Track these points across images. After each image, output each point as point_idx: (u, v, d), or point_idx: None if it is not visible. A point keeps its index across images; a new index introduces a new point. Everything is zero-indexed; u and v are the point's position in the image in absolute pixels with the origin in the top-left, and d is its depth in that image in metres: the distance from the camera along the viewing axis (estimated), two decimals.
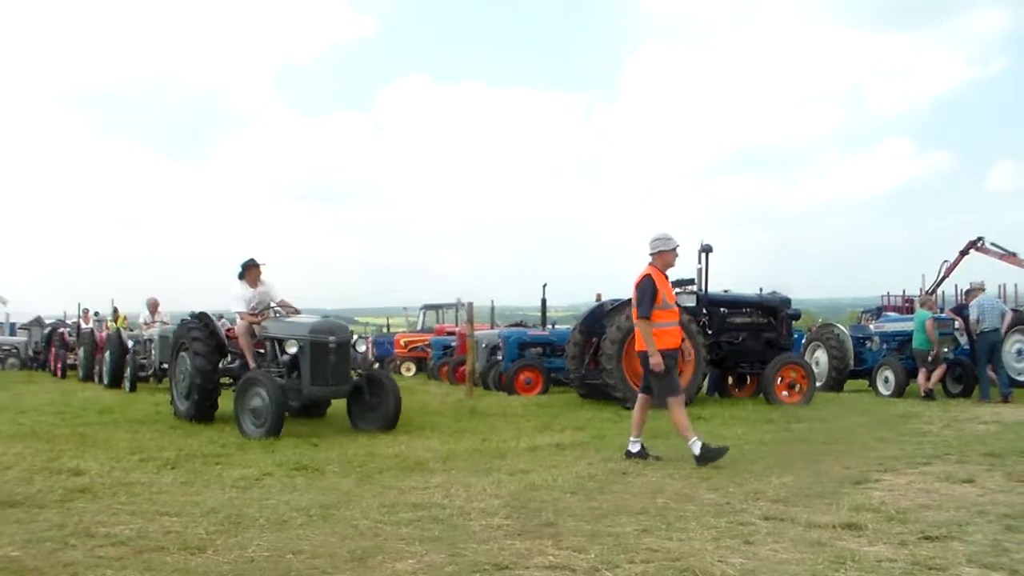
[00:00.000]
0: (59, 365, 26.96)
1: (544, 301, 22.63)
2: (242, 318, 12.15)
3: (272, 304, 12.27)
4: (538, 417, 13.36)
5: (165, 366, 16.19)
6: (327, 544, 5.23)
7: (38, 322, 35.14)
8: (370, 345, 37.68)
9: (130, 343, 20.27)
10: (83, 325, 26.73)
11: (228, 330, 16.91)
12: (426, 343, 29.06)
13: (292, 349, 11.12)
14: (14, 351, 33.54)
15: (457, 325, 27.23)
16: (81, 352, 24.70)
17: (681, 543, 5.26)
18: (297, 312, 12.25)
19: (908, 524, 5.74)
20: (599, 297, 17.46)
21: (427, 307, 34.66)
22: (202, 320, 16.69)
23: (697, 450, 8.27)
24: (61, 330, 28.52)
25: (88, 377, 23.51)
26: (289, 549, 5.08)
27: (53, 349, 28.31)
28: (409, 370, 29.81)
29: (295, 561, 4.86)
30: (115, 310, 25.33)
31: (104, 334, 23.45)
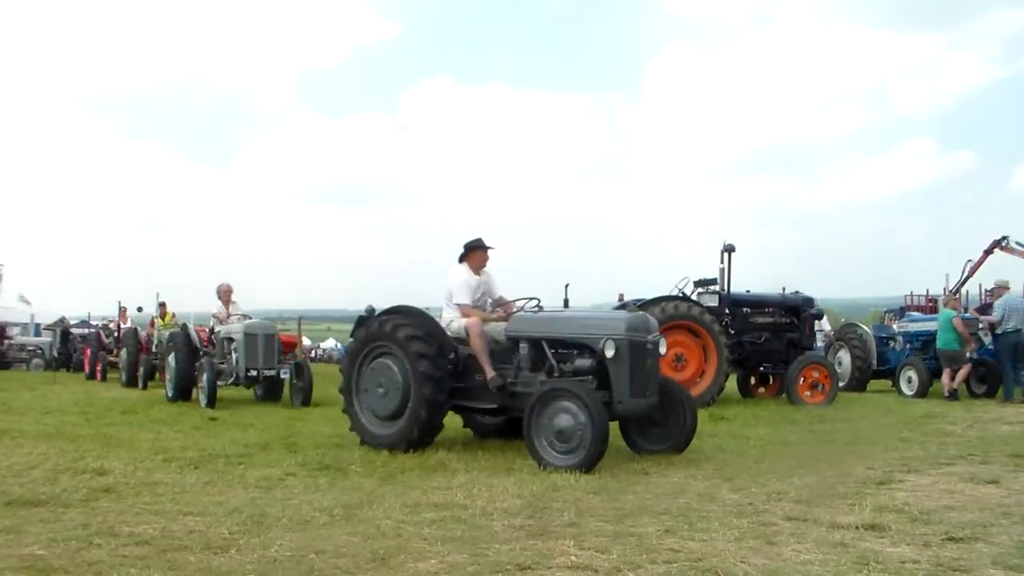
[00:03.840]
0: (98, 368, 24.43)
1: (566, 301, 22.57)
2: (464, 312, 9.72)
3: (490, 300, 10.12)
4: None
5: (253, 372, 15.25)
6: (349, 544, 5.24)
7: (62, 323, 35.43)
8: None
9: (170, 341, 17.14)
10: (122, 325, 25.28)
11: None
12: None
13: (610, 352, 8.49)
14: (39, 352, 33.79)
15: None
16: (123, 354, 22.14)
17: (703, 543, 5.25)
18: (518, 311, 9.80)
19: (932, 525, 5.70)
20: (621, 297, 17.44)
21: None
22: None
23: None
24: (74, 331, 28.40)
25: (131, 382, 20.95)
26: (312, 549, 5.10)
27: (88, 351, 26.46)
28: None
29: (318, 561, 4.87)
30: (161, 305, 22.92)
31: (146, 334, 21.85)
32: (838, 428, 11.82)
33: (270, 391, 16.64)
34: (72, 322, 35.89)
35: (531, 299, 9.82)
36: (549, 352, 9.08)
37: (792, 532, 5.56)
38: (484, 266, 10.03)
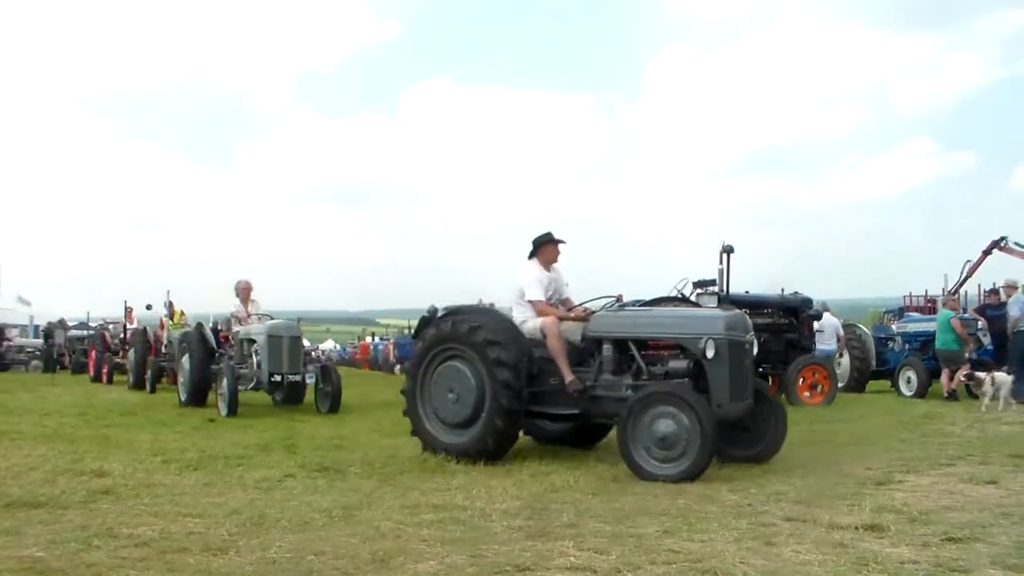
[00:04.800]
0: (104, 370, 23.72)
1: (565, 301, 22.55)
2: (539, 309, 9.08)
3: (557, 299, 9.49)
4: None
5: (277, 377, 14.26)
6: (349, 545, 5.24)
7: (61, 324, 35.42)
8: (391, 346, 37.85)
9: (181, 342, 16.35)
10: (128, 325, 24.70)
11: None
12: None
13: (711, 352, 7.97)
14: (38, 353, 33.81)
15: None
16: (131, 356, 21.35)
17: (703, 544, 5.25)
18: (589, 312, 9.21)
19: (931, 525, 5.70)
20: (620, 297, 17.42)
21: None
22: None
23: None
24: (73, 332, 28.24)
25: (139, 384, 20.16)
26: (311, 550, 5.10)
27: (93, 352, 25.63)
28: None
29: (317, 562, 4.87)
30: (170, 304, 21.61)
31: (153, 334, 21.19)
32: (837, 429, 11.83)
33: (291, 396, 15.74)
34: (71, 323, 35.88)
35: (611, 297, 9.46)
36: (637, 353, 8.58)
37: (791, 533, 5.55)
38: (555, 261, 9.48)
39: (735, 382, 8.12)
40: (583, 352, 8.89)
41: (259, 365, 14.35)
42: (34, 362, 32.93)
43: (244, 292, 15.87)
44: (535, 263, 9.35)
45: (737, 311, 8.86)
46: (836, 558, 4.92)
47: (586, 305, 9.37)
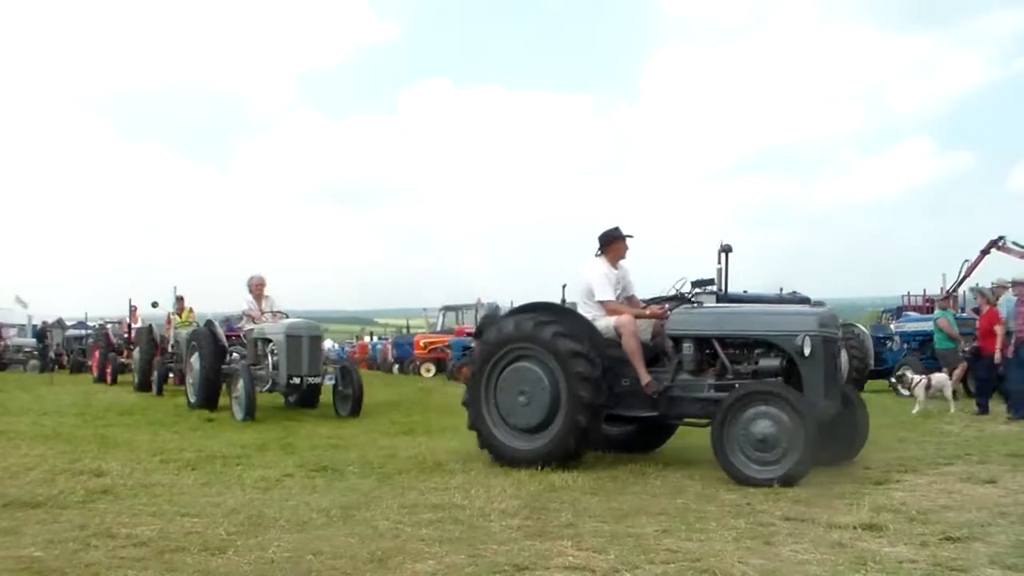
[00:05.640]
0: (108, 370, 22.86)
1: (563, 301, 22.55)
2: (609, 308, 8.62)
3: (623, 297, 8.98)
4: None
5: (296, 380, 13.35)
6: (347, 545, 5.24)
7: (59, 324, 35.39)
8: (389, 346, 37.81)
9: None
10: (132, 325, 23.63)
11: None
12: (446, 344, 29.10)
13: (808, 349, 7.60)
14: (35, 353, 33.78)
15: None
16: (136, 355, 20.28)
17: (701, 544, 5.25)
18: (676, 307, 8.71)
19: (929, 525, 5.70)
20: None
21: (447, 308, 34.73)
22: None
23: None
24: (71, 332, 28.17)
25: (144, 386, 19.12)
26: (309, 550, 5.09)
27: (97, 352, 24.72)
28: (429, 371, 29.84)
29: (315, 562, 4.87)
30: (179, 300, 20.49)
31: (159, 333, 20.02)
32: None
33: (306, 398, 14.79)
34: (69, 323, 35.85)
35: (689, 293, 9.01)
36: (722, 352, 8.18)
37: (790, 532, 5.56)
38: (623, 257, 9.01)
39: (828, 380, 7.90)
40: (652, 351, 8.53)
41: (275, 366, 13.48)
42: (32, 362, 32.89)
43: (257, 288, 14.88)
44: (603, 260, 8.91)
45: (828, 308, 8.45)
46: (834, 557, 4.92)
47: (654, 303, 9.03)
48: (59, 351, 33.37)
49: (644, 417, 8.50)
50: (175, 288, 20.89)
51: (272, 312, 14.60)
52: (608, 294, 8.63)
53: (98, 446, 9.73)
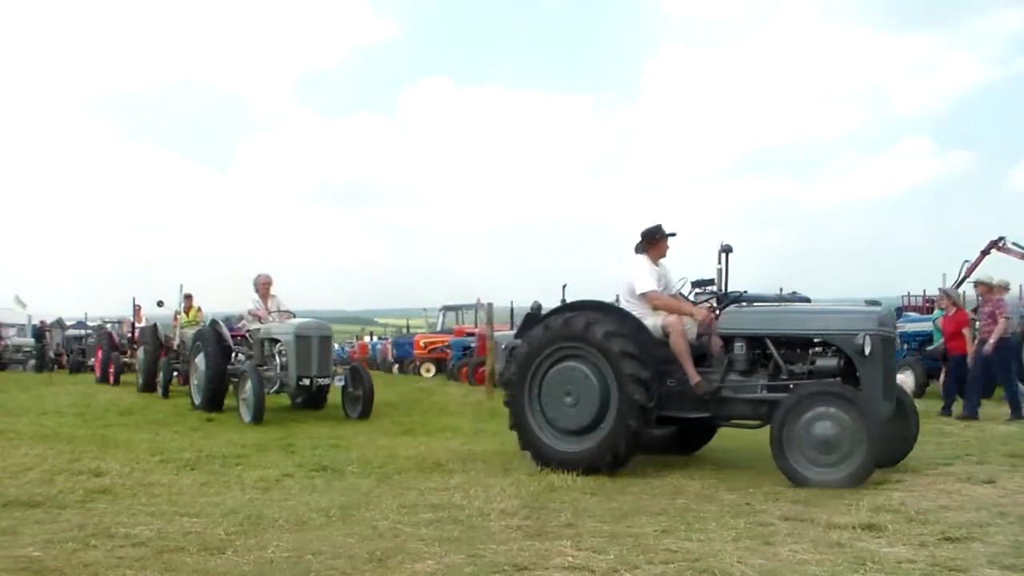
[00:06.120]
0: (111, 370, 22.44)
1: (564, 301, 22.51)
2: (653, 301, 8.46)
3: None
4: None
5: (306, 381, 13.12)
6: (347, 545, 5.24)
7: (59, 324, 35.37)
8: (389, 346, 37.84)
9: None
10: (136, 324, 23.18)
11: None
12: (445, 344, 29.09)
13: (868, 349, 7.45)
14: (35, 353, 33.80)
15: (476, 326, 27.19)
16: (140, 355, 19.80)
17: (701, 544, 5.25)
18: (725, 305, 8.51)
19: (928, 525, 5.70)
20: (618, 298, 17.38)
21: (447, 308, 34.72)
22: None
23: None
24: (70, 332, 28.17)
25: (149, 387, 18.71)
26: (309, 550, 5.10)
27: (100, 352, 24.21)
28: (429, 371, 29.83)
29: (315, 562, 4.87)
30: (187, 298, 20.07)
31: (168, 333, 19.61)
32: None
33: (313, 399, 14.60)
34: (69, 323, 35.84)
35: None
36: (776, 352, 8.00)
37: (789, 532, 5.55)
38: (664, 256, 8.84)
39: (887, 381, 7.80)
40: (698, 350, 8.28)
41: (284, 367, 13.21)
42: (31, 362, 32.92)
43: (263, 287, 14.56)
44: (644, 257, 8.74)
45: (886, 307, 8.30)
46: (834, 557, 4.92)
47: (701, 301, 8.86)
48: (59, 351, 33.34)
49: (693, 418, 8.28)
50: (182, 286, 20.52)
51: (279, 311, 14.38)
52: (650, 284, 8.43)
53: (97, 446, 9.73)
